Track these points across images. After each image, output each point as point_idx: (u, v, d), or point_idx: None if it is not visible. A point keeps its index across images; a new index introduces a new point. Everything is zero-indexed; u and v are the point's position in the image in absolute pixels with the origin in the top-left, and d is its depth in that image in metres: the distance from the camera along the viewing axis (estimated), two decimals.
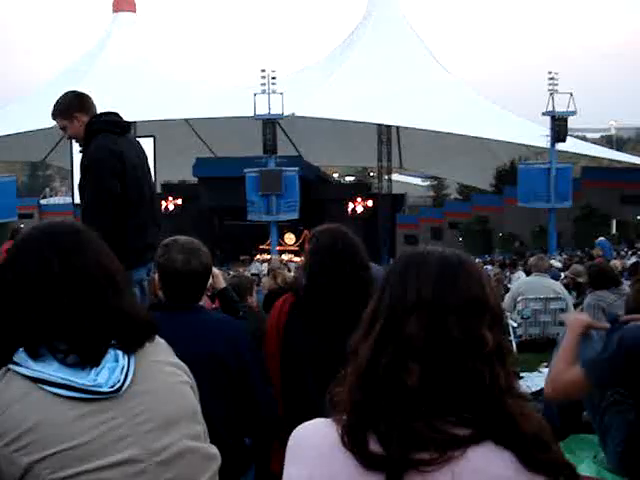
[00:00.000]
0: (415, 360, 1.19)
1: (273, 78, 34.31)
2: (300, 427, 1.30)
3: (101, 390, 1.44)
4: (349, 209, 43.28)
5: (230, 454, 2.63)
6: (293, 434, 1.30)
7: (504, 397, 1.20)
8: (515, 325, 7.83)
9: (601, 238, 23.26)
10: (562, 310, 7.71)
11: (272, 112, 33.78)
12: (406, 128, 41.96)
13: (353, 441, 1.20)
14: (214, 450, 1.67)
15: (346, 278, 2.74)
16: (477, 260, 29.50)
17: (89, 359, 1.45)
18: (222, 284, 3.55)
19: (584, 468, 2.88)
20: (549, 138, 33.19)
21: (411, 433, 1.16)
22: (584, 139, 55.70)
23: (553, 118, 33.01)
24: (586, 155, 43.13)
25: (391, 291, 1.28)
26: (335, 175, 60.20)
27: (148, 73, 48.09)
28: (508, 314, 8.03)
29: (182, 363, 1.66)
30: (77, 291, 1.48)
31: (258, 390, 2.69)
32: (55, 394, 1.41)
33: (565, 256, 24.95)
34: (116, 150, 3.86)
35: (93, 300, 1.49)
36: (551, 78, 33.67)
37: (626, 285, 6.24)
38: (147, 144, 34.95)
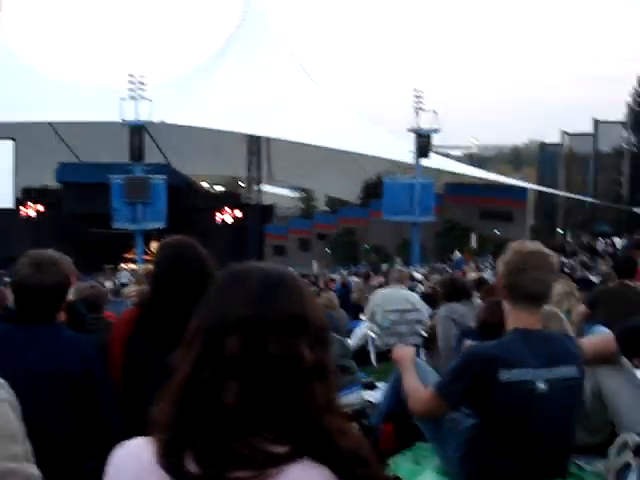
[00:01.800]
0: (234, 378, 1.17)
1: (141, 83, 33.71)
2: (119, 446, 1.25)
3: None
4: (218, 219, 43.02)
5: (71, 474, 2.54)
6: (112, 453, 1.25)
7: (322, 414, 1.19)
8: (374, 336, 7.99)
9: (456, 252, 24.29)
10: (418, 321, 7.94)
11: (140, 118, 33.16)
12: (276, 139, 42.25)
13: (169, 460, 1.16)
14: (33, 470, 1.59)
15: (191, 290, 2.69)
16: (342, 271, 30.07)
17: None
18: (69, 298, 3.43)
19: (425, 476, 2.95)
20: (414, 154, 34.27)
21: (228, 452, 1.14)
22: (447, 156, 57.80)
23: (418, 135, 34.12)
24: (449, 171, 44.81)
25: (211, 307, 1.25)
26: (204, 184, 59.65)
27: (8, 70, 46.01)
28: (367, 325, 8.19)
29: (2, 380, 1.57)
30: None
31: (106, 412, 2.62)
32: None
33: (427, 268, 25.77)
34: None
35: None
36: (417, 96, 34.80)
37: (477, 297, 6.51)
38: (6, 147, 33.77)
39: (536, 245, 2.85)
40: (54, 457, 2.41)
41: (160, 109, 34.23)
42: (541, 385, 2.64)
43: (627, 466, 2.59)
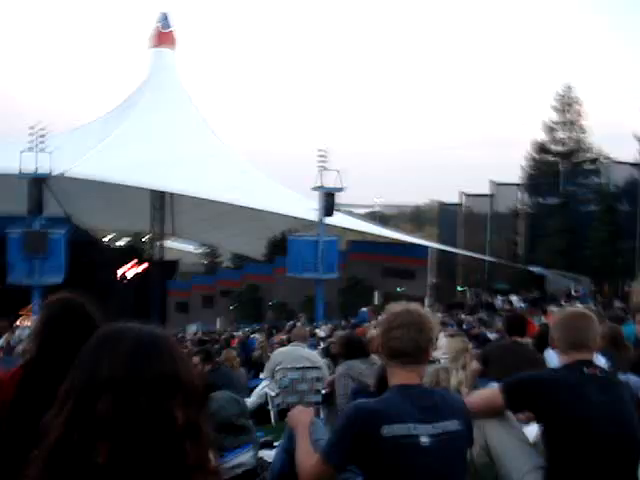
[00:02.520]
0: (105, 438, 1.16)
1: (42, 135, 33.05)
2: None
3: None
4: (119, 274, 42.17)
5: None
6: None
7: (194, 474, 1.20)
8: (273, 394, 7.94)
9: (363, 309, 24.54)
10: (319, 379, 7.94)
11: (40, 171, 32.40)
12: (180, 195, 42.01)
13: None
14: None
15: (76, 350, 2.63)
16: (246, 329, 29.84)
17: None
18: None
19: None
20: (318, 212, 34.66)
21: None
22: (351, 214, 58.73)
23: (322, 193, 34.58)
24: (352, 229, 45.48)
25: (84, 368, 1.24)
26: (106, 239, 58.49)
27: None
28: (267, 383, 8.15)
29: None
30: None
31: None
32: None
33: (331, 325, 25.87)
34: None
35: None
36: (321, 155, 35.37)
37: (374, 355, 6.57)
38: None
39: (411, 305, 2.93)
40: None
41: (61, 162, 33.60)
42: (424, 439, 2.67)
43: None
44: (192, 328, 34.28)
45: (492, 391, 3.30)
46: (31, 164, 32.20)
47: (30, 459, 1.23)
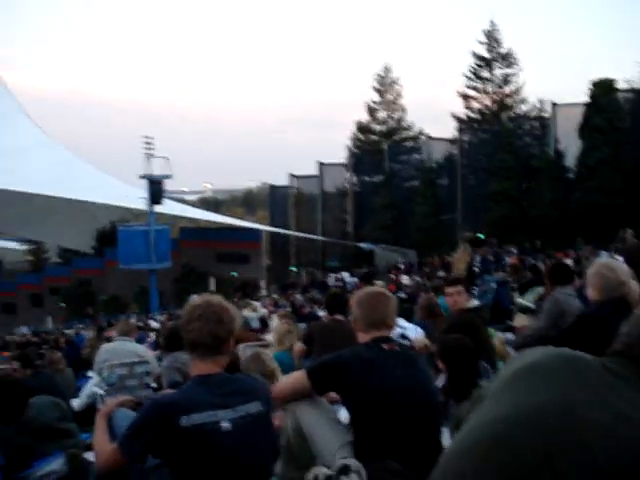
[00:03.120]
0: None
1: None
2: None
3: None
4: None
5: None
6: None
7: None
8: (102, 393, 7.74)
9: (194, 296, 24.38)
10: (148, 373, 7.83)
11: None
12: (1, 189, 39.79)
13: None
14: None
15: None
16: (80, 326, 28.83)
17: None
18: None
19: None
20: (147, 200, 33.97)
21: None
22: (183, 201, 57.98)
23: (150, 181, 33.89)
24: (183, 217, 44.96)
25: None
26: None
27: None
28: (95, 381, 7.93)
29: None
30: None
31: None
32: None
33: (165, 315, 25.55)
34: None
35: None
36: (147, 142, 34.65)
37: None
38: None
39: (212, 298, 3.00)
40: None
41: None
42: (225, 424, 2.74)
43: None
44: (22, 330, 32.65)
45: (297, 375, 3.41)
46: None
47: None
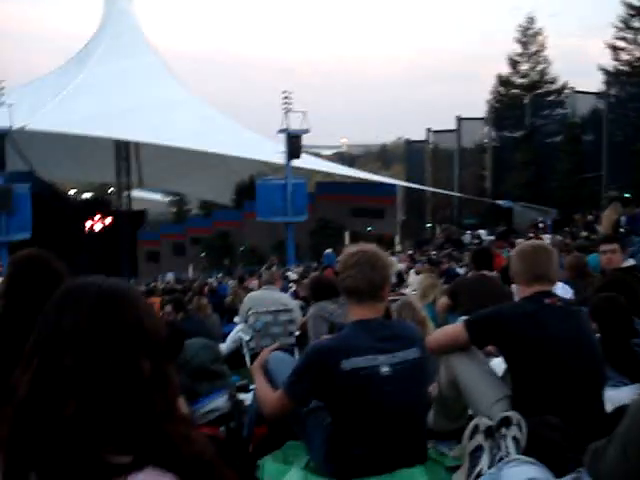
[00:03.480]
0: (71, 392, 1.18)
1: (1, 89, 32.27)
2: None
3: None
4: (87, 227, 41.76)
5: None
6: None
7: (164, 422, 1.22)
8: (247, 338, 8.00)
9: (328, 250, 24.64)
10: (291, 321, 8.02)
11: (0, 125, 31.71)
12: (145, 144, 41.44)
13: (11, 479, 1.16)
14: None
15: (42, 307, 2.63)
16: (219, 275, 29.88)
17: None
18: None
19: (292, 475, 3.01)
20: (285, 155, 34.44)
21: (70, 467, 1.15)
22: (318, 156, 58.47)
23: (288, 135, 34.28)
24: (319, 171, 45.32)
25: (48, 324, 1.25)
26: (72, 192, 57.77)
27: None
28: (241, 328, 8.21)
29: None
30: None
31: None
32: None
33: (302, 268, 25.98)
34: None
35: None
36: (285, 97, 34.98)
37: None
38: None
39: (367, 246, 3.04)
40: None
41: (21, 115, 32.90)
42: (385, 369, 2.79)
43: (479, 448, 2.73)
44: (169, 276, 34.04)
45: (455, 327, 3.38)
46: None
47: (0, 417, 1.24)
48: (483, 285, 6.23)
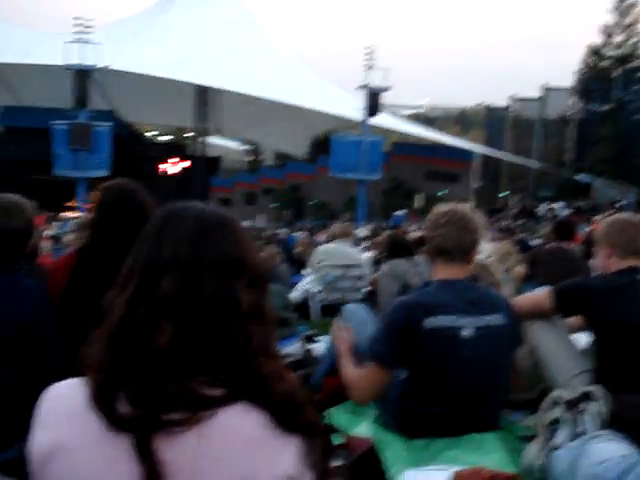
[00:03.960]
0: (168, 319, 1.15)
1: (87, 27, 32.72)
2: (50, 388, 1.23)
3: None
4: (162, 169, 42.43)
5: (9, 422, 2.50)
6: (42, 396, 1.22)
7: (258, 358, 1.18)
8: (315, 290, 8.01)
9: (398, 212, 24.51)
10: (361, 277, 7.99)
11: (85, 63, 32.25)
12: (224, 91, 41.62)
13: (101, 401, 1.14)
14: None
15: (131, 235, 2.64)
16: (284, 229, 30.03)
17: None
18: None
19: (362, 428, 2.99)
20: (363, 111, 34.12)
21: (161, 393, 1.13)
22: (396, 115, 57.87)
23: (368, 92, 33.92)
24: (397, 130, 44.86)
25: (146, 247, 1.22)
26: (150, 134, 58.66)
27: None
28: (310, 279, 8.22)
29: None
30: None
31: (53, 363, 2.55)
32: None
33: (372, 226, 25.91)
34: None
35: None
36: (368, 53, 34.54)
37: (419, 256, 6.55)
38: None
39: (458, 206, 2.98)
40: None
41: (106, 54, 33.34)
42: (467, 331, 2.71)
43: (556, 421, 2.65)
44: (244, 223, 34.23)
45: (541, 294, 3.27)
46: (76, 56, 32.01)
47: (90, 339, 1.22)
48: (563, 257, 6.09)
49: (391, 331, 2.77)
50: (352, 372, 3.00)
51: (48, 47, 34.98)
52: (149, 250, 1.21)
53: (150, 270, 1.19)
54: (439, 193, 39.33)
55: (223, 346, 1.16)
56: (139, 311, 1.17)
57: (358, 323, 3.35)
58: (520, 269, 6.49)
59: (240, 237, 1.24)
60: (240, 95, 39.69)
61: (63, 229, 21.29)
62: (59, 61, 32.47)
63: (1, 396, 2.45)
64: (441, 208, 2.98)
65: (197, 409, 1.12)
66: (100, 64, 33.03)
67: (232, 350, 1.17)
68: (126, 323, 1.17)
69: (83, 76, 32.75)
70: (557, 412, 2.70)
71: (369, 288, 7.69)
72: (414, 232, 13.56)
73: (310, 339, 5.30)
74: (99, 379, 1.16)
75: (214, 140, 54.59)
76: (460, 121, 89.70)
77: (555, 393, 2.73)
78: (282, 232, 23.82)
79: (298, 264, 11.54)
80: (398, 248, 6.43)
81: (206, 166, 45.96)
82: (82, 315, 2.66)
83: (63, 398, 1.20)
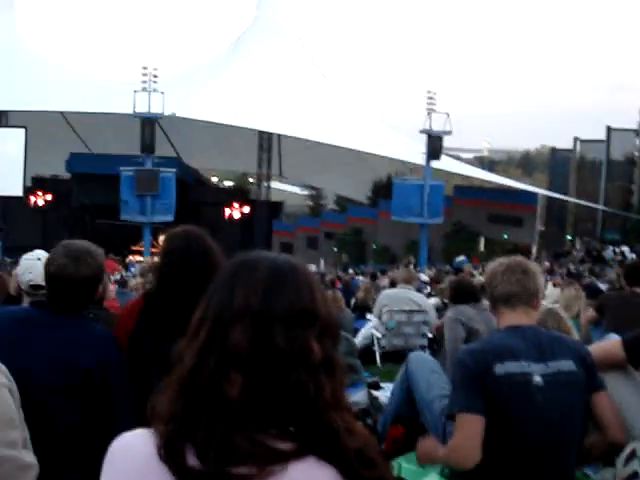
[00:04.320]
0: (238, 370, 1.14)
1: (155, 76, 33.74)
2: (118, 437, 1.22)
3: None
4: (226, 214, 43.02)
5: (74, 463, 2.51)
6: (111, 445, 1.21)
7: (329, 411, 1.15)
8: (379, 336, 7.94)
9: (460, 257, 24.25)
10: (425, 323, 7.90)
11: (152, 111, 33.18)
12: (287, 136, 42.20)
13: (170, 453, 1.13)
14: (30, 459, 1.56)
15: (198, 282, 2.65)
16: (350, 270, 30.02)
17: None
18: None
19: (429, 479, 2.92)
20: (425, 155, 34.14)
21: (230, 446, 1.11)
22: (458, 158, 57.69)
23: (429, 136, 33.99)
24: (458, 174, 44.66)
25: (218, 297, 1.21)
26: (214, 179, 59.69)
27: (22, 58, 46.09)
28: (373, 324, 8.16)
29: (1, 366, 1.54)
30: None
31: (118, 410, 2.58)
32: None
33: (434, 270, 25.68)
34: None
35: None
36: (430, 97, 34.69)
37: (485, 301, 6.44)
38: (18, 135, 33.91)
39: (513, 257, 3.00)
40: (59, 445, 2.41)
41: (172, 102, 34.24)
42: (537, 378, 2.65)
43: (634, 475, 2.54)
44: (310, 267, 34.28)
45: (611, 344, 3.17)
46: (144, 104, 32.97)
47: (156, 388, 1.22)
48: (634, 303, 5.89)
49: (466, 379, 2.71)
50: (450, 444, 2.80)
51: (116, 96, 36.13)
52: (220, 300, 1.21)
53: (221, 320, 1.18)
54: (504, 237, 38.84)
55: (294, 398, 1.14)
56: (209, 361, 1.15)
57: (424, 372, 3.29)
58: (590, 313, 6.34)
59: (312, 287, 1.22)
60: (302, 141, 40.19)
61: (129, 273, 21.71)
62: (127, 109, 33.48)
63: (67, 442, 2.46)
64: (498, 260, 3.00)
65: (267, 463, 1.10)
66: (166, 112, 33.93)
67: (303, 402, 1.14)
68: (196, 373, 1.16)
69: (150, 124, 33.66)
70: (635, 465, 2.59)
71: (433, 334, 7.59)
72: (479, 276, 13.41)
73: (375, 386, 5.23)
74: (168, 430, 1.15)
75: (276, 185, 55.22)
76: (522, 164, 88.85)
77: (631, 445, 2.62)
78: (345, 276, 23.81)
79: (360, 309, 11.49)
80: (463, 293, 6.33)
81: (269, 210, 46.43)
82: (148, 361, 2.67)
83: (131, 449, 1.18)
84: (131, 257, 35.89)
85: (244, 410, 1.13)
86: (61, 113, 44.30)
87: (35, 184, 42.49)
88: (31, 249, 3.58)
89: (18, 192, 34.01)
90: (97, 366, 2.55)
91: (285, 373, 1.14)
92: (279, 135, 44.66)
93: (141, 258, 32.85)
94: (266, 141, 45.64)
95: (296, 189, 64.38)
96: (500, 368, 2.62)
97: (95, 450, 2.59)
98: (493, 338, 2.85)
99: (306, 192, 63.96)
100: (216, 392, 1.14)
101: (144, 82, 33.68)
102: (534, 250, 39.78)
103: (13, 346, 2.38)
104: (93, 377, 2.54)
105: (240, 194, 47.31)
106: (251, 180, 54.82)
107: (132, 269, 25.31)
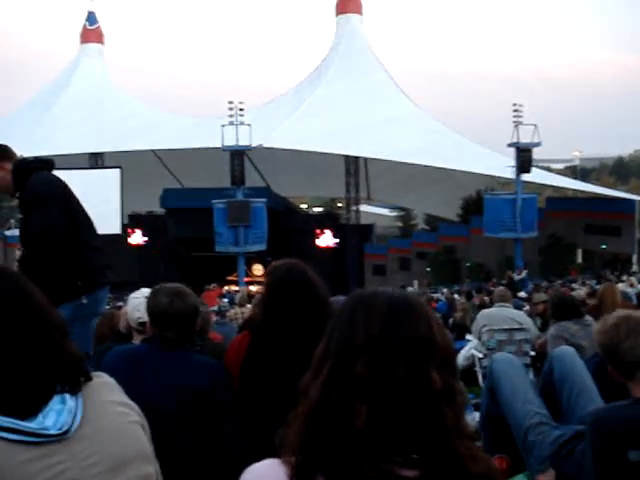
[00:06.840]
0: (363, 401, 1.19)
1: (241, 110, 34.45)
2: (249, 468, 1.28)
3: (49, 433, 1.40)
4: (317, 240, 43.30)
5: None
6: (242, 475, 1.28)
7: (452, 438, 1.19)
8: (480, 356, 7.84)
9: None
10: (527, 341, 7.75)
11: (240, 143, 33.86)
12: (373, 159, 42.28)
13: None
14: None
15: (302, 314, 2.72)
16: (445, 290, 29.65)
17: (33, 405, 1.42)
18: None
19: None
20: (514, 169, 33.57)
21: (358, 475, 1.15)
22: (549, 170, 56.47)
23: (518, 149, 33.41)
24: (550, 185, 43.68)
25: (340, 331, 1.27)
26: (303, 206, 60.30)
27: (114, 102, 47.97)
28: (474, 345, 8.06)
29: (132, 403, 1.63)
30: (18, 339, 1.45)
31: (229, 427, 2.71)
32: (1, 438, 1.37)
33: (531, 286, 25.13)
34: (56, 179, 3.88)
35: (37, 347, 1.46)
36: (515, 110, 34.16)
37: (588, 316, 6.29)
38: (114, 175, 35.21)
39: (631, 312, 2.67)
40: (179, 472, 2.51)
41: (259, 133, 34.87)
42: None
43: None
44: (410, 289, 34.10)
45: None
46: (231, 138, 33.69)
47: (275, 418, 1.27)
48: None
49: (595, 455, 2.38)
50: None
51: (205, 131, 37.07)
52: (341, 334, 1.26)
53: (344, 353, 1.23)
54: (602, 247, 37.68)
55: (417, 427, 1.18)
56: (334, 394, 1.21)
57: (507, 372, 3.23)
58: None
59: (429, 319, 1.27)
60: (388, 162, 40.20)
61: (226, 303, 22.05)
62: (216, 143, 34.28)
63: (181, 462, 2.56)
64: (612, 318, 2.62)
65: None
66: (253, 143, 34.56)
67: (426, 431, 1.18)
68: (322, 406, 1.22)
69: (239, 156, 34.35)
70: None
71: (533, 352, 7.45)
72: (580, 290, 13.07)
73: (477, 407, 5.17)
74: (297, 461, 1.21)
75: (365, 208, 55.32)
76: (616, 171, 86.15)
77: None
78: (440, 296, 23.58)
79: (458, 329, 11.35)
80: (565, 309, 6.19)
81: (359, 234, 46.50)
82: (260, 392, 2.76)
83: (264, 478, 1.25)
84: (227, 287, 36.50)
85: (370, 440, 1.17)
86: (153, 152, 45.81)
87: (132, 221, 43.92)
88: (131, 285, 3.79)
89: (116, 230, 35.24)
90: (208, 390, 2.69)
91: (408, 403, 1.18)
92: (365, 158, 44.82)
93: (237, 288, 33.36)
94: (353, 165, 45.86)
95: (385, 211, 64.33)
96: (634, 455, 2.26)
97: (206, 469, 2.70)
98: (629, 415, 2.39)
99: (395, 213, 63.82)
100: (342, 423, 1.18)
101: (230, 116, 34.40)
102: (635, 259, 38.41)
103: (137, 382, 2.50)
104: (205, 399, 2.67)
105: (330, 219, 47.52)
106: (340, 205, 55.11)
107: (229, 299, 25.71)
